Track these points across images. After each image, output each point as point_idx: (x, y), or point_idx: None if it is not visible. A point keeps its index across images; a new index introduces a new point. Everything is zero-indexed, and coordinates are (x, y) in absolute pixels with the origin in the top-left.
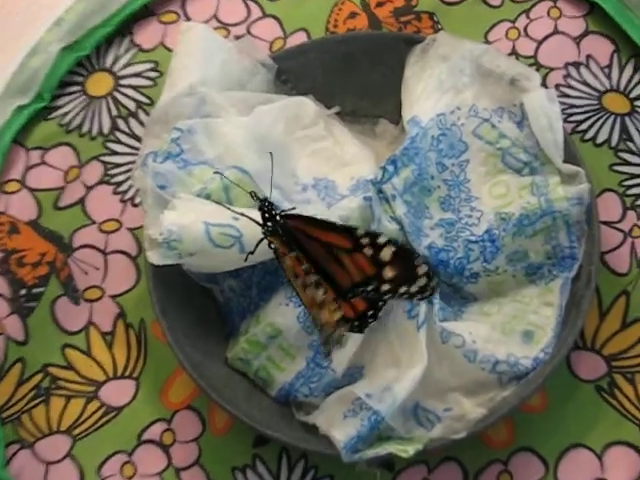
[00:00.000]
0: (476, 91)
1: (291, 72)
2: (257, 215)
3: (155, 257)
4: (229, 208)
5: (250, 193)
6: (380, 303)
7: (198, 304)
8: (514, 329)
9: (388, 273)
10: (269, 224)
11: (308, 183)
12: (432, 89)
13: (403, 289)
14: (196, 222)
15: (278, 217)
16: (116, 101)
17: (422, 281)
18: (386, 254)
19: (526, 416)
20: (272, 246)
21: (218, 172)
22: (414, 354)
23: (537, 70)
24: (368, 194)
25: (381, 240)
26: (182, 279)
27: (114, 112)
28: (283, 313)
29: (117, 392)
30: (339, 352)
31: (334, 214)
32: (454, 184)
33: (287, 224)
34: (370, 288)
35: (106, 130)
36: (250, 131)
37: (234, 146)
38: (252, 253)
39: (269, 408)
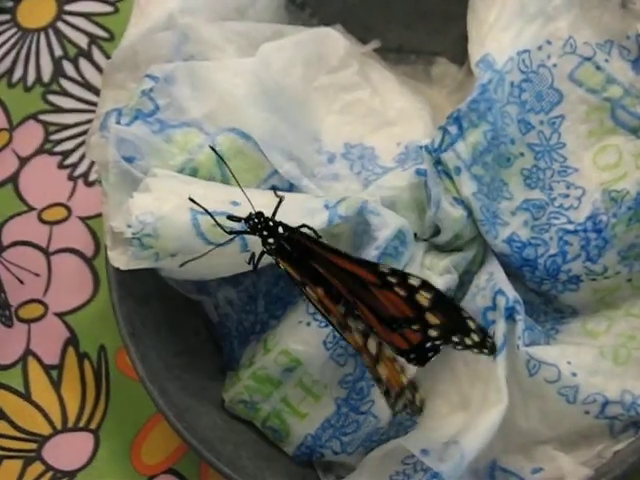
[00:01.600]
0: (573, 18)
1: None
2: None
3: (121, 259)
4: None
5: (229, 217)
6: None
7: (183, 324)
8: (631, 355)
9: (432, 319)
10: (270, 241)
11: (336, 151)
12: (511, 16)
13: (456, 338)
14: (179, 209)
15: (281, 229)
16: (60, 35)
17: (475, 337)
18: (423, 299)
19: None
20: (281, 266)
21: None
22: (489, 392)
23: None
24: (422, 166)
25: (413, 282)
26: (160, 289)
27: (58, 51)
28: (303, 336)
29: (68, 451)
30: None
31: (374, 195)
32: (544, 150)
33: (296, 238)
34: (415, 328)
35: (47, 77)
36: (254, 79)
37: (231, 100)
38: (254, 270)
39: (285, 471)
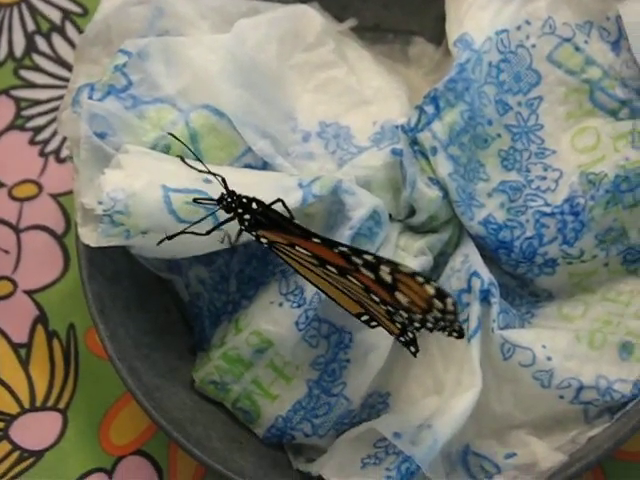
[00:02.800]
0: None
1: None
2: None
3: (92, 236)
4: (190, 166)
5: (216, 199)
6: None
7: (153, 303)
8: (606, 340)
9: (401, 298)
10: (246, 217)
11: (311, 130)
12: None
13: (425, 316)
14: (151, 186)
15: (255, 204)
16: (33, 9)
17: (439, 304)
18: (385, 275)
19: (622, 465)
20: (263, 240)
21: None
22: (463, 375)
23: None
24: (397, 146)
25: (368, 257)
26: (130, 267)
27: (30, 26)
28: (275, 317)
29: (36, 430)
30: (354, 373)
31: (349, 174)
32: (521, 132)
33: (269, 214)
34: (390, 309)
35: (19, 52)
36: (228, 55)
37: (205, 77)
38: (234, 243)
39: (255, 453)
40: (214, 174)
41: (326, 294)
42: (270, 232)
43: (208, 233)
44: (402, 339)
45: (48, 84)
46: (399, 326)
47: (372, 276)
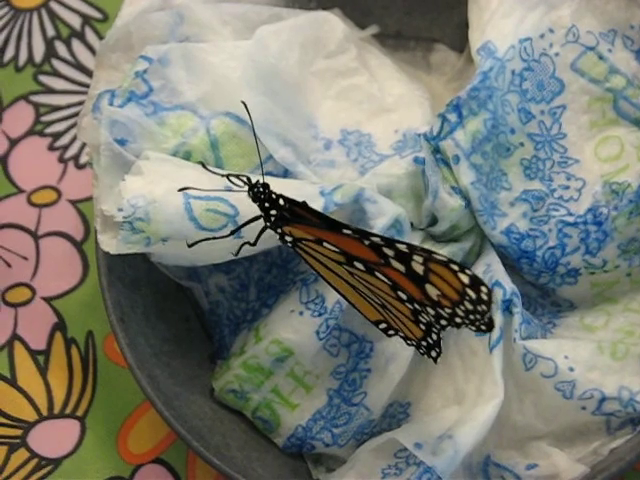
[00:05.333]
0: (577, 6)
1: None
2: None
3: (112, 243)
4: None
5: (247, 183)
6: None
7: (172, 311)
8: (629, 351)
9: (431, 290)
10: (273, 212)
11: (333, 137)
12: (513, 3)
13: (446, 312)
14: (172, 193)
15: (282, 201)
16: (53, 15)
17: (472, 293)
18: (417, 266)
19: None
20: (288, 239)
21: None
22: (484, 386)
23: None
24: (420, 154)
25: (401, 247)
26: (150, 275)
27: (50, 32)
28: (295, 325)
29: (54, 438)
30: (374, 382)
31: (371, 183)
32: (544, 141)
33: (295, 211)
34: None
35: (39, 57)
36: (250, 62)
37: (226, 84)
38: (253, 244)
39: (275, 462)
40: (238, 175)
41: (346, 298)
42: (296, 228)
43: (232, 233)
44: (424, 343)
45: (68, 90)
46: (423, 327)
47: (402, 269)
